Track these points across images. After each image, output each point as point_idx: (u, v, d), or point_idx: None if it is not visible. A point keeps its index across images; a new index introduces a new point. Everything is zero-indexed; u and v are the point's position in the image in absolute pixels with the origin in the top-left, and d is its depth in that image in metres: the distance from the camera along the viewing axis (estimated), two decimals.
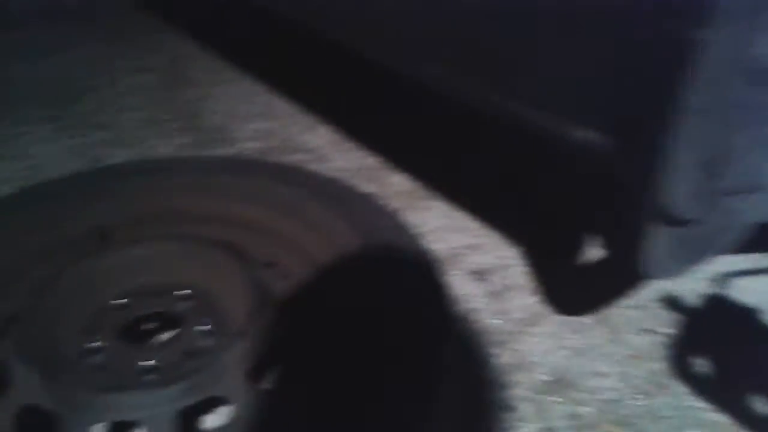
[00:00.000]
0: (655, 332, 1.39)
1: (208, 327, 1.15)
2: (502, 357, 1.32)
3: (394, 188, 1.86)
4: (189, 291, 1.22)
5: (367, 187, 1.73)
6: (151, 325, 1.23)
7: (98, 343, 1.12)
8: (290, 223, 1.32)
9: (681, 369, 1.30)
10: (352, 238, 1.23)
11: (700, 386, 1.26)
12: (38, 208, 1.32)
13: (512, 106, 1.03)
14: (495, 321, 1.42)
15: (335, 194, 1.35)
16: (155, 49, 3.01)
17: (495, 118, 1.10)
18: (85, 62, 2.86)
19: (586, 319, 1.43)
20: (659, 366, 1.31)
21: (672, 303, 1.46)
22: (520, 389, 1.25)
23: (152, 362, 1.08)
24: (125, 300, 1.21)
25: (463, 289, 1.49)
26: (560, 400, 1.24)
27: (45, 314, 1.11)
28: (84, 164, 1.99)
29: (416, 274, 1.15)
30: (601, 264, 1.51)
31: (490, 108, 1.10)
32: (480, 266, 1.57)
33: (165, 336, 1.22)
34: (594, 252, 1.53)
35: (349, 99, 2.40)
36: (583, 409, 1.22)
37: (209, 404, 1.03)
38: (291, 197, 1.34)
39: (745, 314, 1.42)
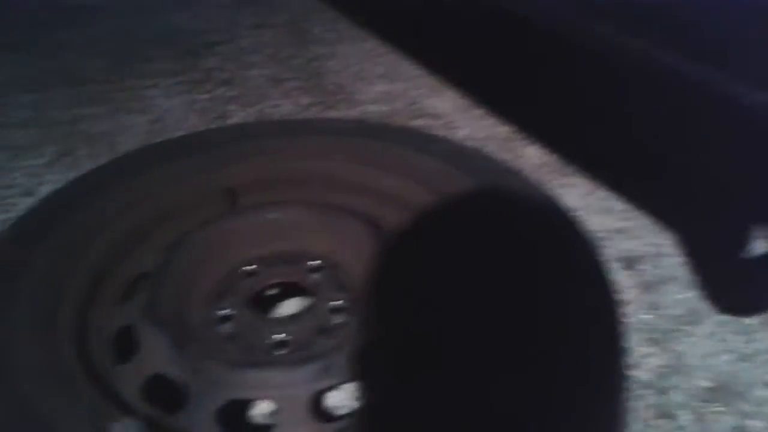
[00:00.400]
0: None
1: (340, 302, 1.07)
2: (657, 357, 1.18)
3: (530, 161, 1.71)
4: (320, 262, 1.15)
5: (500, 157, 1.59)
6: (279, 296, 1.16)
7: (227, 311, 1.06)
8: (427, 195, 1.21)
9: None
10: (499, 215, 1.10)
11: None
12: (166, 166, 1.27)
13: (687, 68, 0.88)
14: (646, 316, 1.26)
15: (478, 166, 1.23)
16: (277, 4, 2.96)
17: (656, 81, 0.95)
18: (207, 18, 2.84)
19: (752, 321, 1.26)
20: None
21: None
22: (678, 395, 1.11)
23: (283, 336, 1.01)
24: (254, 267, 1.14)
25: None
26: (724, 410, 1.09)
27: (173, 277, 1.06)
28: (208, 121, 1.96)
29: (576, 259, 1.02)
30: None
31: (654, 68, 0.95)
32: (630, 253, 1.41)
33: (295, 308, 1.15)
34: (763, 245, 1.34)
35: (479, 60, 2.25)
36: (751, 423, 1.06)
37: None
38: (432, 167, 1.23)
39: None
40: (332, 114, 2.01)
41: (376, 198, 1.26)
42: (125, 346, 0.99)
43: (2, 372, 0.86)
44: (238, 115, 2.00)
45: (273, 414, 0.89)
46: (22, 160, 1.78)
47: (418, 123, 1.94)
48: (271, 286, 1.13)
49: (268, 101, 2.09)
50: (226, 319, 1.05)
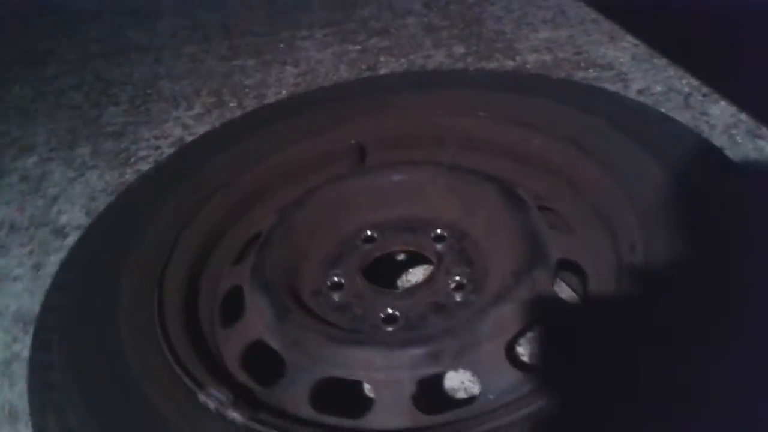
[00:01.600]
0: None
1: (464, 279, 0.94)
2: None
3: (715, 121, 1.44)
4: (446, 232, 1.02)
5: (679, 117, 1.35)
6: (399, 266, 1.06)
7: (338, 279, 0.98)
8: (580, 161, 1.02)
9: None
10: (672, 189, 0.90)
11: None
12: (298, 118, 1.20)
13: None
14: None
15: (651, 129, 1.02)
16: None
17: None
18: None
19: None
20: None
21: None
22: None
23: (395, 312, 0.91)
24: (375, 232, 1.05)
25: None
26: None
27: (285, 238, 0.99)
28: (357, 72, 1.89)
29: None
30: None
31: None
32: None
33: (414, 280, 1.04)
34: None
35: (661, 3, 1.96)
36: None
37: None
38: (587, 128, 1.04)
39: None
40: (487, 65, 1.84)
41: (522, 163, 1.10)
42: (235, 309, 0.94)
43: (105, 330, 0.85)
44: (388, 66, 1.91)
45: (372, 398, 0.79)
46: (176, 111, 1.82)
47: (583, 75, 1.72)
48: (390, 255, 1.02)
49: (420, 51, 1.97)
50: (336, 287, 0.97)
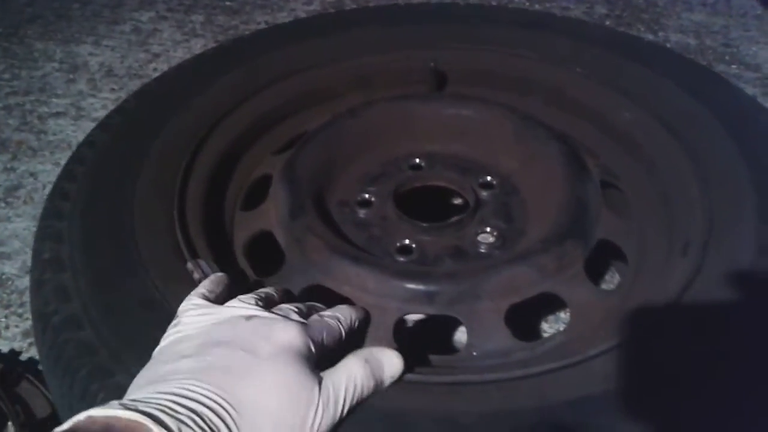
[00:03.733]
0: None
1: (495, 232, 0.87)
2: None
3: None
4: (496, 180, 0.95)
5: None
6: (434, 200, 1.00)
7: (369, 197, 0.94)
8: (666, 146, 0.91)
9: None
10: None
11: None
12: (376, 30, 1.13)
13: None
14: None
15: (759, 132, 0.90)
16: None
17: None
18: None
19: None
20: None
21: None
22: None
23: (412, 244, 0.87)
24: (422, 161, 0.99)
25: None
26: None
27: (329, 141, 0.95)
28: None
29: None
30: None
31: None
32: None
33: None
34: None
35: None
36: None
37: None
38: (687, 113, 0.92)
39: None
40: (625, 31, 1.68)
41: (605, 133, 1.00)
42: (260, 195, 0.93)
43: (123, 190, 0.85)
44: (517, 2, 1.80)
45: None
46: (294, 1, 1.80)
47: (723, 68, 1.54)
48: (430, 188, 0.96)
49: (559, 1, 1.83)
50: (365, 203, 0.93)
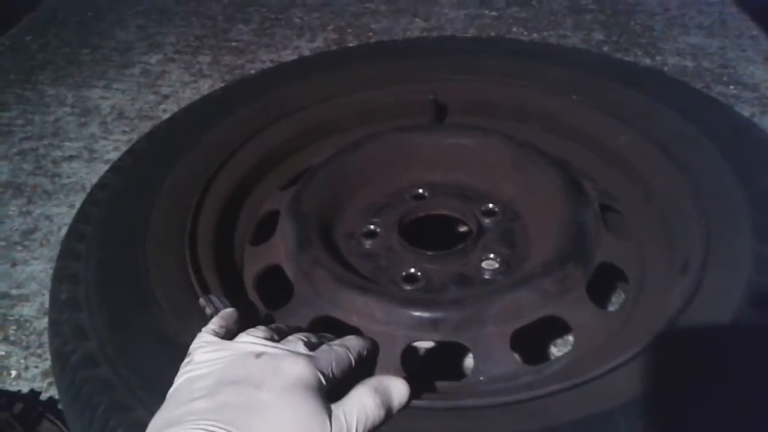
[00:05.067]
0: None
1: (498, 259, 0.90)
2: None
3: None
4: (498, 208, 0.98)
5: None
6: (437, 230, 1.02)
7: (374, 228, 0.96)
8: (662, 169, 0.93)
9: None
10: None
11: None
12: (385, 64, 1.17)
13: None
14: None
15: (750, 151, 0.92)
16: None
17: None
18: None
19: None
20: None
21: None
22: None
23: (418, 273, 0.89)
24: (425, 191, 1.02)
25: None
26: None
27: (333, 175, 0.98)
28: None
29: None
30: None
31: None
32: None
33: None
34: None
35: None
36: None
37: None
38: (681, 136, 0.94)
39: None
40: (623, 57, 1.72)
41: (603, 157, 1.02)
42: (269, 232, 0.95)
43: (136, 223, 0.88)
44: (515, 32, 1.84)
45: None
46: (298, 40, 1.85)
47: (721, 89, 1.57)
48: (433, 217, 0.99)
49: (557, 30, 1.87)
50: (370, 234, 0.95)
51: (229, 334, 0.67)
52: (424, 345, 0.79)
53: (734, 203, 0.83)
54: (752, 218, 0.80)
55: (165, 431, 0.52)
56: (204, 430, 0.51)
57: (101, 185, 0.96)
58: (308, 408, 0.55)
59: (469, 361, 0.91)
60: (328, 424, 0.54)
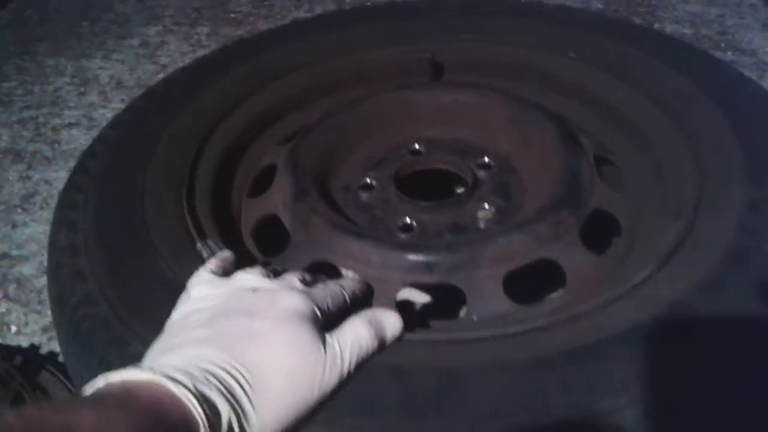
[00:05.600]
0: None
1: (493, 209, 0.90)
2: None
3: None
4: (494, 162, 0.98)
5: None
6: (433, 183, 1.03)
7: (371, 181, 0.97)
8: (659, 122, 0.93)
9: None
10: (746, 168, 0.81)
11: None
12: (381, 26, 1.17)
13: None
14: None
15: (745, 103, 0.92)
16: None
17: None
18: None
19: None
20: None
21: None
22: None
23: (413, 222, 0.89)
24: (422, 147, 1.02)
25: None
26: None
27: (331, 130, 0.99)
28: None
29: None
30: None
31: None
32: None
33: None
34: None
35: None
36: None
37: None
38: (676, 90, 0.94)
39: None
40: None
41: (600, 112, 1.02)
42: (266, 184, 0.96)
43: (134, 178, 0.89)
44: None
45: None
46: (296, 11, 1.86)
47: (719, 55, 1.56)
48: (429, 171, 0.99)
49: None
50: (366, 187, 0.96)
51: (225, 274, 0.68)
52: (419, 300, 0.80)
53: (728, 151, 0.83)
54: (745, 165, 0.81)
55: (162, 357, 0.53)
56: (201, 354, 0.52)
57: (100, 140, 0.97)
58: (302, 335, 0.55)
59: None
60: (323, 351, 0.55)
